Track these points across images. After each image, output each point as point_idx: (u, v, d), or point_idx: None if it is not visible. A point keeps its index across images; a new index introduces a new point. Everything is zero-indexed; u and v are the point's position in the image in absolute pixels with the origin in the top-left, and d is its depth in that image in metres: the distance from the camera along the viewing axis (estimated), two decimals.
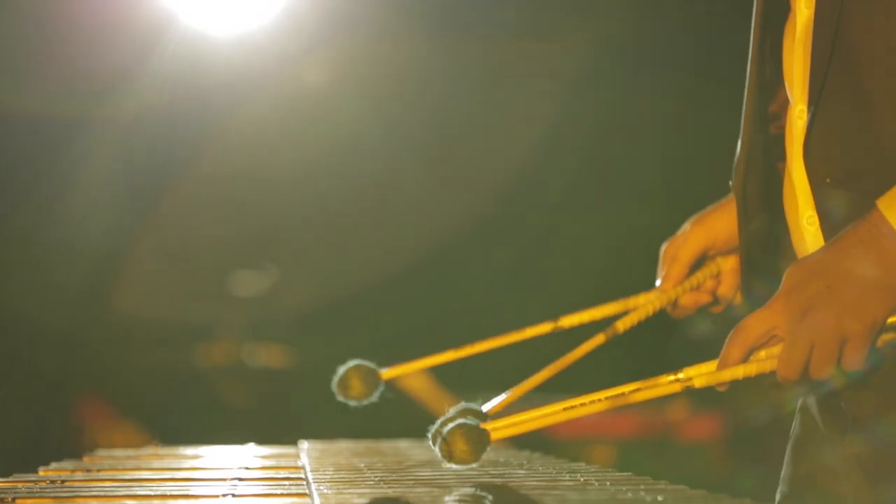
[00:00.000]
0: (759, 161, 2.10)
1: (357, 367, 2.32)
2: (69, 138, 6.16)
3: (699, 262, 2.33)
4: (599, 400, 1.93)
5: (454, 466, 1.89)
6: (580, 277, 6.38)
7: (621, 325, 2.29)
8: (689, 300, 2.34)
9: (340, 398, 2.32)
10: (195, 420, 6.36)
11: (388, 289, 6.51)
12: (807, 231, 1.98)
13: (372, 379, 2.32)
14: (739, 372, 1.89)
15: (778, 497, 2.11)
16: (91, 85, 6.00)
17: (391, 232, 6.60)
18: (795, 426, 2.13)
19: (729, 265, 2.33)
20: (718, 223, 2.32)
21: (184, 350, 6.67)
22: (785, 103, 2.05)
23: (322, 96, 6.50)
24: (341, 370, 2.32)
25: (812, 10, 1.99)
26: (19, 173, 6.24)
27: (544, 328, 2.37)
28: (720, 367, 1.89)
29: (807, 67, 1.99)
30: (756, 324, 1.87)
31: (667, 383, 1.93)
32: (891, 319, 1.85)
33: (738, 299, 2.35)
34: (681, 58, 6.12)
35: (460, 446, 1.87)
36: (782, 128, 2.06)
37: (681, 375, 1.93)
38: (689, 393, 1.95)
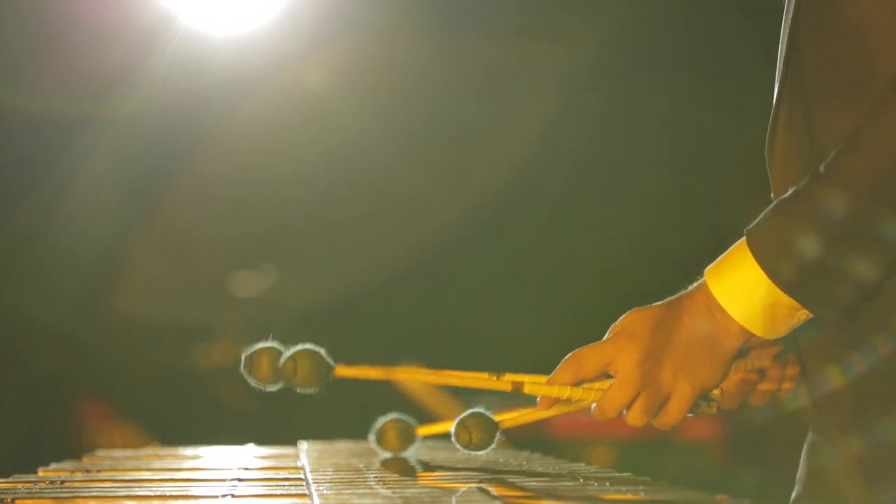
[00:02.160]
0: None
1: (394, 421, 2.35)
2: (69, 138, 6.16)
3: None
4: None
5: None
6: (580, 277, 6.38)
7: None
8: (736, 379, 2.35)
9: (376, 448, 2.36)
10: (195, 421, 6.36)
11: (388, 289, 6.51)
12: None
13: (407, 434, 2.35)
14: (565, 392, 1.90)
15: (793, 496, 2.11)
16: (91, 85, 5.99)
17: (391, 232, 6.60)
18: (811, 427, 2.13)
19: (773, 366, 2.33)
20: None
21: (183, 351, 6.67)
22: None
23: (322, 96, 6.50)
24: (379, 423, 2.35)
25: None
26: (19, 174, 6.24)
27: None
28: (548, 383, 1.91)
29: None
30: (593, 355, 1.90)
31: (491, 380, 1.94)
32: (714, 392, 1.90)
33: None
34: (681, 58, 6.12)
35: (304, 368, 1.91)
36: None
37: (514, 379, 1.94)
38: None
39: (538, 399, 1.96)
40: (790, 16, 1.95)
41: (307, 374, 2.04)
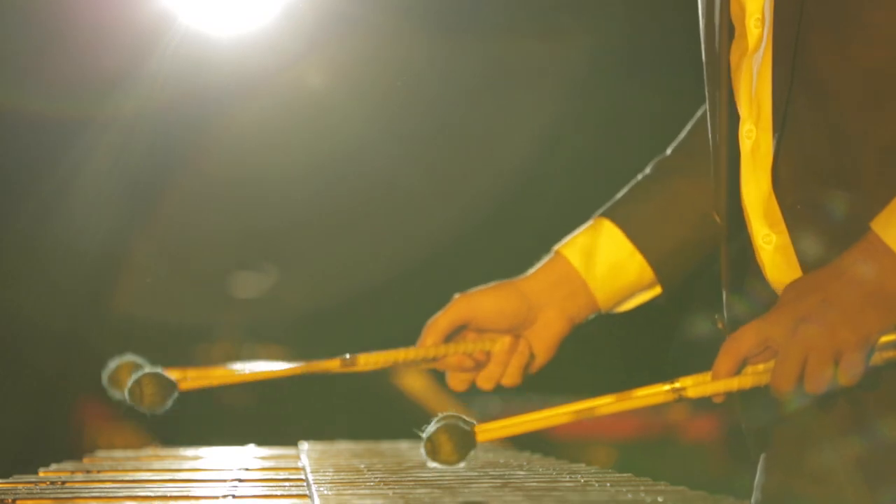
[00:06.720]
0: (725, 181, 2.11)
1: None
2: (69, 138, 6.16)
3: (457, 331, 2.45)
4: (586, 409, 1.92)
5: (438, 466, 1.88)
6: None
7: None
8: (453, 361, 2.42)
9: None
10: (195, 421, 6.35)
11: (387, 289, 6.51)
12: (763, 250, 1.99)
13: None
14: (734, 384, 1.87)
15: None
16: (91, 85, 5.99)
17: (391, 232, 6.60)
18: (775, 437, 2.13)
19: (500, 347, 2.39)
20: (483, 301, 2.45)
21: (183, 351, 6.66)
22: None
23: (322, 97, 6.50)
24: None
25: (761, 31, 1.98)
26: (19, 173, 6.23)
27: (333, 364, 2.46)
28: (714, 379, 1.88)
29: (762, 90, 1.99)
30: (748, 334, 1.86)
31: (662, 392, 1.91)
32: (887, 337, 1.82)
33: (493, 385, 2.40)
34: (681, 58, 6.11)
35: (445, 446, 1.86)
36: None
37: (676, 385, 1.91)
38: (687, 401, 1.92)
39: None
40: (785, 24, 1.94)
41: None
